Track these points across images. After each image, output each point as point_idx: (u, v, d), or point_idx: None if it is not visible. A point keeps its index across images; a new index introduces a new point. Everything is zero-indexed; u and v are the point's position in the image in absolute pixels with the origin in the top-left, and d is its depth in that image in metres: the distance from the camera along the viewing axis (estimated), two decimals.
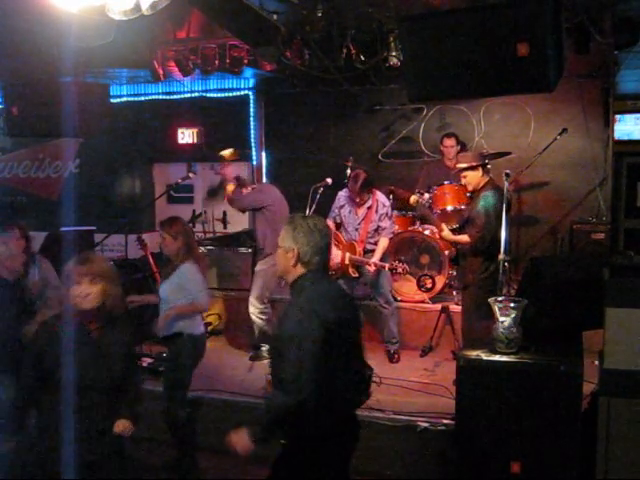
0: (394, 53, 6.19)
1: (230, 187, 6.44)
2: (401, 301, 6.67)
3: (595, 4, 5.73)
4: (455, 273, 6.66)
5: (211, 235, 9.05)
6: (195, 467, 4.59)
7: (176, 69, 7.25)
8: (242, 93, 9.13)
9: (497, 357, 3.60)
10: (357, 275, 6.13)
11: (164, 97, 9.35)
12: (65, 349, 3.02)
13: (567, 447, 3.44)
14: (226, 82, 9.05)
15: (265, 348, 6.11)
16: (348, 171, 7.27)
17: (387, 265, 5.87)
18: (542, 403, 3.48)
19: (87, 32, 4.31)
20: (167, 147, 9.42)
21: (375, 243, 6.08)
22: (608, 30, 5.99)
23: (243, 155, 7.24)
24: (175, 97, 9.33)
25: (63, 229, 6.87)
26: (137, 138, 9.43)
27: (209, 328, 7.11)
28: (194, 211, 9.09)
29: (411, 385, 5.48)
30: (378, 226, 6.08)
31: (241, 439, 2.70)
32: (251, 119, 9.13)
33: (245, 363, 6.23)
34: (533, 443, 3.49)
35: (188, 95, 9.24)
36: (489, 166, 5.60)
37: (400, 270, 5.81)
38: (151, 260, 6.02)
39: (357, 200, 6.02)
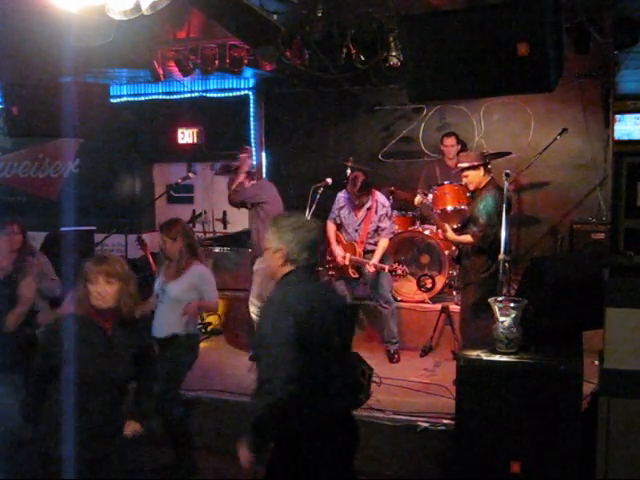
0: (394, 53, 6.19)
1: (239, 177, 6.48)
2: (401, 301, 6.67)
3: (595, 4, 5.73)
4: (455, 273, 6.66)
5: (211, 235, 9.05)
6: (194, 467, 4.59)
7: (176, 69, 7.25)
8: (242, 93, 9.13)
9: (497, 357, 3.59)
10: (357, 275, 6.13)
11: (164, 97, 9.35)
12: (78, 346, 3.04)
13: (567, 447, 3.44)
14: (226, 82, 9.05)
15: None
16: (348, 171, 7.27)
17: (387, 267, 5.88)
18: (542, 403, 3.48)
19: (87, 32, 4.31)
20: (167, 147, 9.42)
21: (375, 243, 6.08)
22: (608, 30, 5.99)
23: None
24: (175, 97, 9.33)
25: (63, 229, 6.88)
26: (137, 138, 9.44)
27: (209, 328, 7.12)
28: (194, 211, 9.09)
29: (411, 385, 5.47)
30: (378, 227, 6.09)
31: (242, 450, 2.68)
32: (251, 119, 9.13)
33: (245, 363, 6.22)
34: (533, 443, 3.49)
35: (188, 95, 9.24)
36: (490, 166, 5.60)
37: (400, 272, 5.81)
38: (151, 260, 6.03)
39: (356, 202, 6.02)
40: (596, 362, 3.76)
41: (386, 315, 6.17)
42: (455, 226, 5.68)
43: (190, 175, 7.41)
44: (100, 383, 3.08)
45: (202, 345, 6.23)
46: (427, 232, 6.82)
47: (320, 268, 7.39)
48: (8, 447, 3.81)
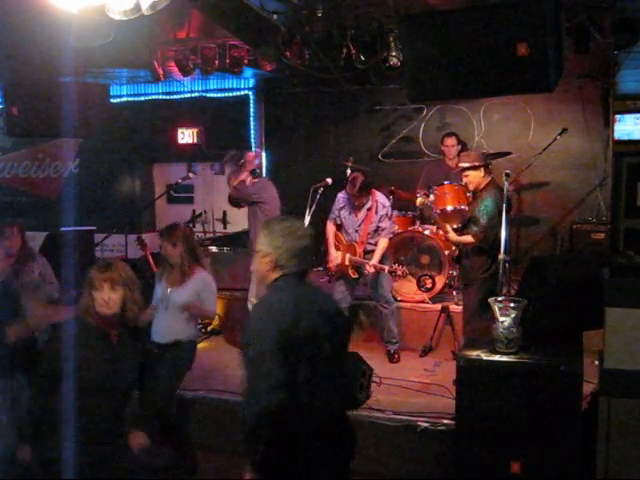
0: (394, 53, 6.19)
1: (242, 175, 6.50)
2: (401, 301, 6.67)
3: (595, 4, 5.73)
4: (455, 273, 6.66)
5: (211, 235, 9.05)
6: (194, 467, 4.59)
7: (176, 69, 7.24)
8: (242, 93, 9.12)
9: (497, 357, 3.60)
10: (357, 276, 6.13)
11: (164, 97, 9.35)
12: (83, 353, 3.04)
13: (567, 447, 3.44)
14: (226, 82, 9.05)
15: None
16: (348, 171, 7.27)
17: (387, 268, 5.87)
18: (542, 403, 3.48)
19: (87, 32, 4.31)
20: (167, 147, 9.41)
21: (375, 244, 6.08)
22: (608, 30, 5.98)
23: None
24: (175, 97, 9.33)
25: (63, 229, 6.88)
26: (137, 138, 9.43)
27: (209, 328, 7.13)
28: (194, 211, 9.10)
29: (411, 385, 5.47)
30: (378, 227, 6.08)
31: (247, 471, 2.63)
32: (251, 119, 9.12)
33: None
34: (533, 443, 3.49)
35: (188, 95, 9.24)
36: (491, 167, 5.60)
37: (400, 273, 5.81)
38: (151, 260, 6.02)
39: (356, 203, 6.02)
40: (596, 362, 3.77)
41: (386, 315, 6.17)
42: (455, 226, 5.68)
43: (190, 175, 7.41)
44: (104, 389, 3.08)
45: (202, 345, 6.26)
46: (427, 232, 6.82)
47: (320, 268, 7.42)
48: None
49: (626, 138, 8.25)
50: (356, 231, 6.12)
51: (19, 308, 4.41)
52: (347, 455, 2.87)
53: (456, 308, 6.26)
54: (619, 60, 7.10)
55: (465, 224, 5.47)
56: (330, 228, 6.27)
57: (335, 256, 6.14)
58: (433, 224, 6.83)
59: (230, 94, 9.14)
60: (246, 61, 6.96)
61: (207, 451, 4.71)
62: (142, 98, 9.43)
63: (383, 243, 6.05)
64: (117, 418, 3.19)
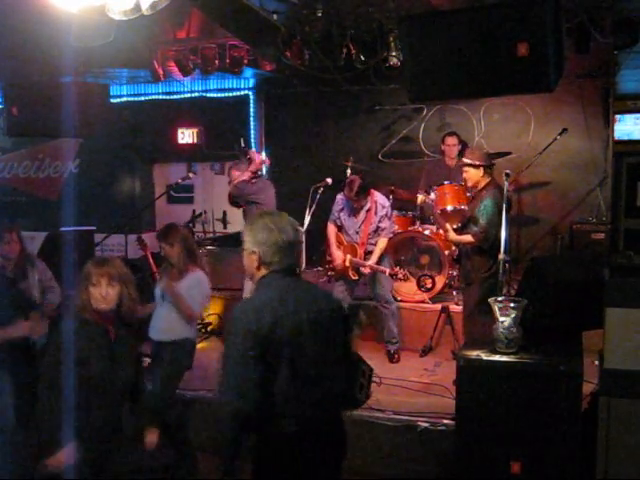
0: (394, 53, 6.20)
1: (245, 175, 6.53)
2: (401, 301, 6.67)
3: (595, 4, 5.73)
4: (455, 273, 6.66)
5: (211, 235, 9.05)
6: (194, 467, 4.59)
7: (176, 69, 7.25)
8: (242, 93, 9.13)
9: (497, 357, 3.59)
10: (357, 277, 6.13)
11: (164, 97, 9.35)
12: (83, 350, 3.04)
13: (567, 447, 3.44)
14: (226, 82, 9.05)
15: None
16: (348, 171, 7.27)
17: (387, 270, 5.87)
18: (542, 403, 3.48)
19: (87, 32, 4.32)
20: (167, 147, 9.42)
21: (376, 244, 6.08)
22: (608, 30, 5.99)
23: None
24: (175, 97, 9.33)
25: (63, 229, 6.88)
26: (137, 138, 9.43)
27: (209, 328, 7.12)
28: (194, 211, 9.10)
29: (411, 385, 5.47)
30: (378, 227, 6.08)
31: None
32: (251, 119, 9.13)
33: None
34: (533, 443, 3.49)
35: (188, 95, 9.24)
36: (492, 168, 5.59)
37: (400, 276, 5.81)
38: (151, 260, 6.02)
39: (355, 205, 6.02)
40: (596, 362, 3.76)
41: (386, 315, 6.17)
42: (455, 226, 5.68)
43: (190, 175, 7.41)
44: (104, 387, 3.08)
45: (202, 345, 6.26)
46: (427, 232, 6.81)
47: (320, 268, 7.42)
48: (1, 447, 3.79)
49: (626, 138, 8.26)
50: (357, 233, 6.12)
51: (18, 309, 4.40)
52: (338, 456, 2.79)
53: (456, 308, 6.26)
54: (619, 60, 7.11)
55: (465, 224, 5.47)
56: (331, 229, 6.27)
57: (338, 255, 6.14)
58: (433, 224, 6.83)
59: (230, 94, 9.14)
60: (246, 61, 6.98)
61: (207, 451, 4.70)
62: (142, 98, 9.43)
63: (382, 243, 6.05)
64: (115, 416, 3.17)
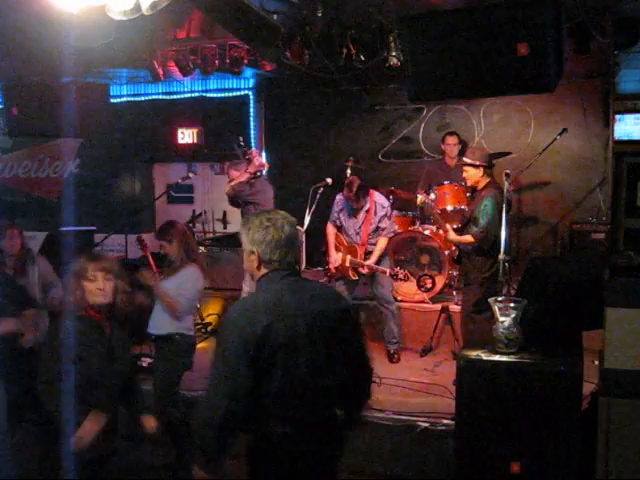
0: (394, 53, 6.20)
1: (243, 176, 6.55)
2: (401, 301, 6.67)
3: (595, 4, 5.73)
4: (455, 273, 6.66)
5: (211, 235, 9.05)
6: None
7: (176, 69, 7.25)
8: (242, 93, 9.12)
9: (497, 357, 3.59)
10: (357, 277, 6.13)
11: (164, 97, 9.35)
12: (82, 346, 3.04)
13: (567, 447, 3.44)
14: (226, 82, 9.05)
15: None
16: (348, 171, 7.28)
17: (388, 271, 5.87)
18: (542, 403, 3.48)
19: (87, 32, 4.32)
20: (167, 147, 9.41)
21: (376, 244, 6.08)
22: (608, 30, 5.99)
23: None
24: (175, 97, 9.33)
25: (63, 229, 6.87)
26: (137, 138, 9.42)
27: (209, 328, 7.12)
28: (194, 211, 9.10)
29: (411, 385, 5.47)
30: (377, 227, 6.08)
31: (196, 471, 2.59)
32: (251, 119, 9.12)
33: None
34: (533, 443, 3.49)
35: (188, 95, 9.24)
36: (492, 169, 5.59)
37: (401, 276, 5.81)
38: (151, 260, 6.02)
39: (354, 206, 6.02)
40: (596, 362, 3.76)
41: (386, 315, 6.16)
42: (455, 226, 5.69)
43: (190, 175, 7.41)
44: (102, 384, 3.08)
45: (202, 345, 6.25)
46: (427, 232, 6.81)
47: (320, 268, 7.43)
48: None
49: (626, 138, 8.23)
50: (357, 233, 6.11)
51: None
52: (333, 456, 2.77)
53: (456, 308, 6.26)
54: (619, 60, 7.11)
55: (465, 224, 5.47)
56: (331, 230, 6.27)
57: (336, 258, 6.14)
58: (433, 224, 6.83)
59: (230, 94, 9.14)
60: (246, 61, 6.97)
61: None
62: (142, 98, 9.42)
63: (382, 243, 6.05)
64: (112, 412, 3.17)
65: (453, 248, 6.33)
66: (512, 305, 3.60)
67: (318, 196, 6.36)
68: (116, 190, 9.65)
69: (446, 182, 6.54)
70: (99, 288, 3.08)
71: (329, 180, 6.53)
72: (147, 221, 9.22)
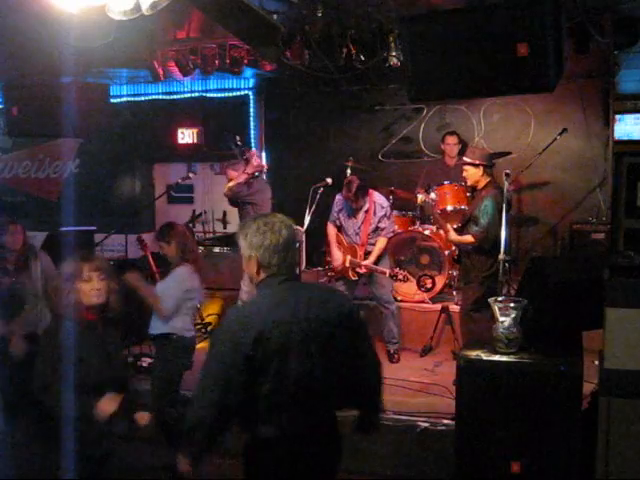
0: (394, 53, 6.20)
1: (241, 177, 6.56)
2: (401, 301, 6.67)
3: (595, 4, 5.73)
4: (455, 273, 6.66)
5: (211, 235, 9.05)
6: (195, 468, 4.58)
7: (176, 69, 7.25)
8: (242, 93, 9.13)
9: (497, 357, 3.59)
10: (357, 278, 6.14)
11: (164, 97, 9.35)
12: (77, 347, 3.02)
13: (567, 447, 3.44)
14: (226, 82, 9.05)
15: None
16: (348, 171, 7.27)
17: (388, 272, 5.87)
18: (542, 403, 3.48)
19: (87, 32, 4.31)
20: (167, 147, 9.41)
21: (375, 244, 6.08)
22: (608, 30, 5.99)
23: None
24: (175, 97, 9.33)
25: (63, 229, 6.87)
26: (137, 138, 9.43)
27: (209, 328, 7.11)
28: (194, 211, 9.10)
29: (411, 385, 5.47)
30: (377, 227, 6.08)
31: (181, 461, 2.61)
32: (251, 119, 9.13)
33: None
34: (533, 443, 3.49)
35: (188, 95, 9.24)
36: (492, 169, 5.59)
37: (401, 277, 5.82)
38: (151, 260, 6.02)
39: (353, 206, 6.02)
40: (596, 362, 3.76)
41: (386, 315, 6.17)
42: (455, 226, 5.69)
43: (190, 175, 7.41)
44: (98, 382, 3.07)
45: (202, 345, 6.24)
46: (427, 232, 6.81)
47: (320, 268, 7.42)
48: None
49: (626, 138, 8.23)
50: (356, 234, 6.12)
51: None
52: (332, 458, 2.75)
53: (456, 308, 6.25)
54: (619, 60, 7.11)
55: (465, 223, 5.47)
56: (331, 230, 6.27)
57: (338, 257, 6.14)
58: (433, 223, 6.83)
59: (230, 94, 9.14)
60: (246, 61, 6.97)
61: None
62: (142, 98, 9.42)
63: (381, 243, 6.05)
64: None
65: (453, 248, 6.33)
66: (512, 305, 3.60)
67: (318, 196, 6.36)
68: (116, 190, 9.66)
69: (446, 182, 6.53)
70: (95, 288, 3.08)
71: (329, 180, 6.53)
72: (147, 221, 9.23)
